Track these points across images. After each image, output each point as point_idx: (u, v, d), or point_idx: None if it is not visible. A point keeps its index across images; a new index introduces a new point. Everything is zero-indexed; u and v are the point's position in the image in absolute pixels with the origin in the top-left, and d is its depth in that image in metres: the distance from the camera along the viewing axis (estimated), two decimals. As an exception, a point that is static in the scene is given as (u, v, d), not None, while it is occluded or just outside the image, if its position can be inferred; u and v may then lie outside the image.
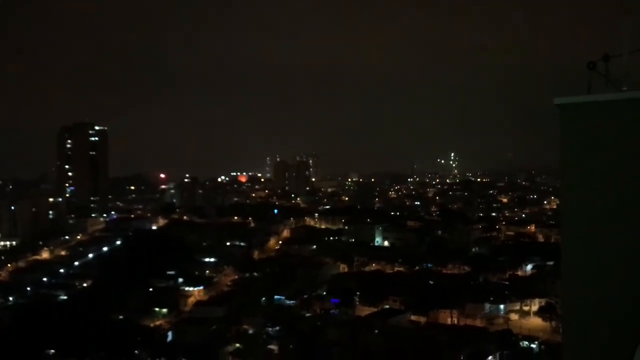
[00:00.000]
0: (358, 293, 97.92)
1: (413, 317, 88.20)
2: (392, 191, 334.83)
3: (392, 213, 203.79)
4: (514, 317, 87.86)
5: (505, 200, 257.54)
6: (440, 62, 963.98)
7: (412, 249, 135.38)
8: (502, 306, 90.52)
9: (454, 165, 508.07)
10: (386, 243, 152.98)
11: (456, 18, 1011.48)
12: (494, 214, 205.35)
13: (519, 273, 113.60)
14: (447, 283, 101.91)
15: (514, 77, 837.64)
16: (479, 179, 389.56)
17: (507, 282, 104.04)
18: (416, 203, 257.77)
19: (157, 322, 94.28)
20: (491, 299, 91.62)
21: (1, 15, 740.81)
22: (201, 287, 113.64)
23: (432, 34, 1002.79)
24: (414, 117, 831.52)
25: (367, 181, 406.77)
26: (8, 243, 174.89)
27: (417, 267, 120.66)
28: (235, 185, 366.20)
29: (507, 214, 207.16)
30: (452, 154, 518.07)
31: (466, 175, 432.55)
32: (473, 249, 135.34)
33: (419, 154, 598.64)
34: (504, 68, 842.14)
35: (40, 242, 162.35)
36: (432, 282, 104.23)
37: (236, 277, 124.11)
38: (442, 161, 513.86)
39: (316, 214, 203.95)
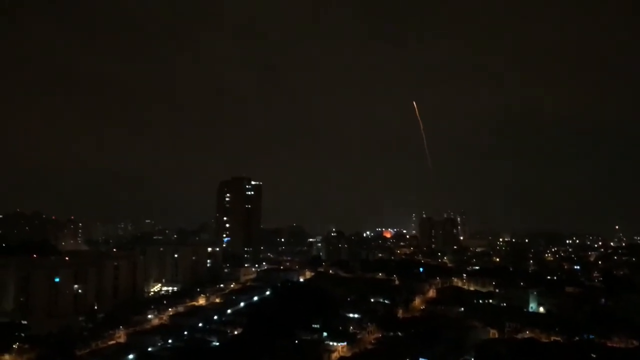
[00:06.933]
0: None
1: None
2: (547, 253, 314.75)
3: (548, 277, 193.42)
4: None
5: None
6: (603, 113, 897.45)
7: (571, 317, 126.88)
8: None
9: (617, 227, 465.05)
10: (541, 309, 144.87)
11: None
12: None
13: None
14: (611, 357, 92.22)
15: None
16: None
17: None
18: (575, 267, 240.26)
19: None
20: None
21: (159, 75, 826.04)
22: (344, 343, 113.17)
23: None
24: (573, 174, 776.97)
25: (520, 241, 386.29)
26: (170, 288, 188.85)
27: (577, 338, 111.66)
28: (380, 241, 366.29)
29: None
30: (618, 215, 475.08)
31: (634, 238, 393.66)
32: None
33: (578, 214, 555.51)
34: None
35: (198, 289, 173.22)
36: (594, 355, 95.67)
37: (380, 335, 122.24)
38: (605, 222, 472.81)
39: (464, 274, 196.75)
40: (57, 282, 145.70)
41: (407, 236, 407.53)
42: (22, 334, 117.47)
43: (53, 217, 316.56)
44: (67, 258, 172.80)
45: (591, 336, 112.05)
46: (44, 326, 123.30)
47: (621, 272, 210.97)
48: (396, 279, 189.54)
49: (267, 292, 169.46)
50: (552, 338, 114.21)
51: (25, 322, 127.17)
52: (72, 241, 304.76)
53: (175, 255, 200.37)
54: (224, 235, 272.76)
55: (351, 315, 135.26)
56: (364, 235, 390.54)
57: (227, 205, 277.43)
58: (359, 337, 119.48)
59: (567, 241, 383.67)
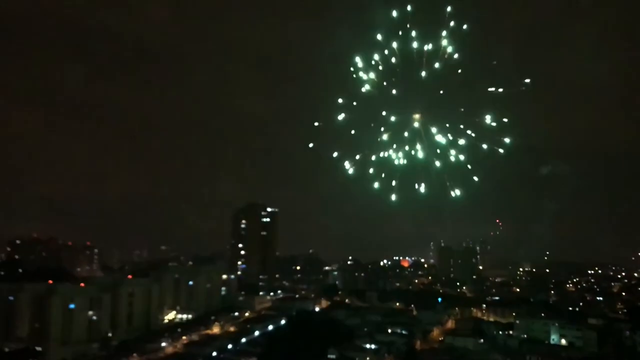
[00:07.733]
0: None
1: None
2: (569, 283, 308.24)
3: (570, 308, 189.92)
4: None
5: None
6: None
7: (594, 350, 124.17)
8: None
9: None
10: (563, 341, 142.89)
11: None
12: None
13: None
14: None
15: None
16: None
17: None
18: (598, 298, 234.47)
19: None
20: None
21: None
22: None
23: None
24: (595, 203, 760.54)
25: (541, 271, 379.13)
26: (184, 316, 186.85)
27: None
28: (397, 270, 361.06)
29: None
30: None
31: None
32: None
33: (601, 243, 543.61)
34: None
35: (212, 317, 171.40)
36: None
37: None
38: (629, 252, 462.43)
39: (484, 305, 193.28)
40: (72, 309, 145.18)
41: (425, 265, 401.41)
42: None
43: (69, 243, 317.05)
44: (82, 284, 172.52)
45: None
46: (58, 353, 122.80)
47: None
48: (414, 309, 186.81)
49: (283, 322, 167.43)
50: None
51: (40, 349, 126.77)
52: (87, 267, 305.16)
53: (190, 283, 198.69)
54: (239, 263, 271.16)
55: (368, 346, 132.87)
56: (381, 263, 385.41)
57: (243, 232, 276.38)
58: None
59: (589, 271, 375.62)
